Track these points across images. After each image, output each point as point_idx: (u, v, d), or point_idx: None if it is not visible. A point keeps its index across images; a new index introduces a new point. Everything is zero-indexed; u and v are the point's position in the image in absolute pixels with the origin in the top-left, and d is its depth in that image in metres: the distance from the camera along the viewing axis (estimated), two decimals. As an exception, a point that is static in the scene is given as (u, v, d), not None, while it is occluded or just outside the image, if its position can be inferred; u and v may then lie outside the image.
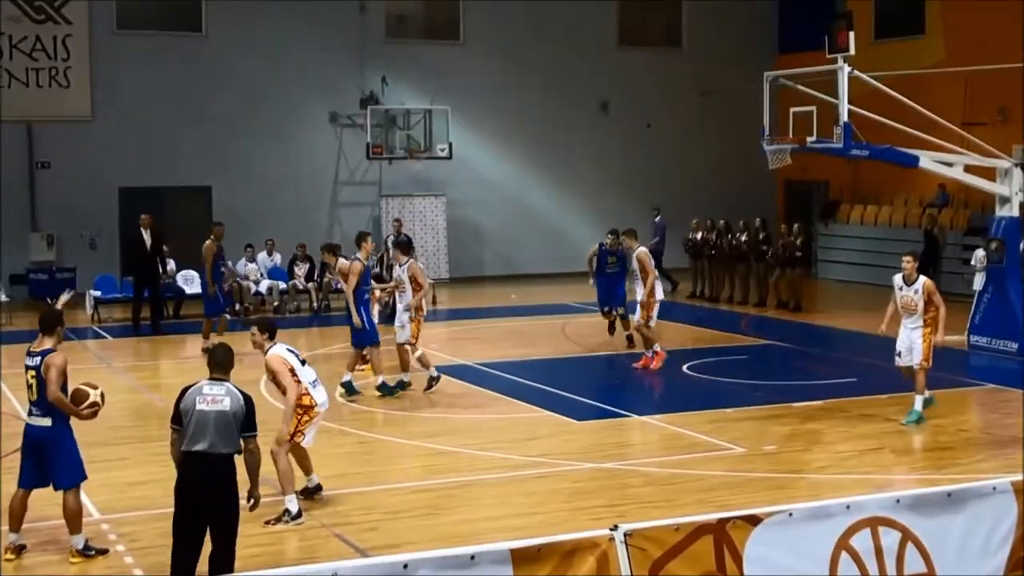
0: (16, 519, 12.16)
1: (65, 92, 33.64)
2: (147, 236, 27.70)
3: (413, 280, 20.22)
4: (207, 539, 10.49)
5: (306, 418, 13.52)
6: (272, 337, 13.39)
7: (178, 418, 10.56)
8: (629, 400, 19.48)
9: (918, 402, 17.99)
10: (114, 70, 34.01)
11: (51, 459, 12.00)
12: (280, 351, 13.37)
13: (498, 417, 18.81)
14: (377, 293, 21.93)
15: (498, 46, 38.17)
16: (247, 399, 10.63)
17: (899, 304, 18.15)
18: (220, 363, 10.84)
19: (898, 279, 18.20)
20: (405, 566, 7.60)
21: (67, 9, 33.54)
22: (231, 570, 10.31)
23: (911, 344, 18.00)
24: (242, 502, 10.71)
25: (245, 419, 10.54)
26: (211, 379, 10.72)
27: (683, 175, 40.16)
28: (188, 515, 10.41)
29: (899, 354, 18.20)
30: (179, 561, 10.41)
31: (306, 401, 13.46)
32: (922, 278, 18.03)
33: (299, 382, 13.32)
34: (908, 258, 18.26)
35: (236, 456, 10.59)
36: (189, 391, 10.60)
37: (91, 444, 16.49)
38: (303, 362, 13.61)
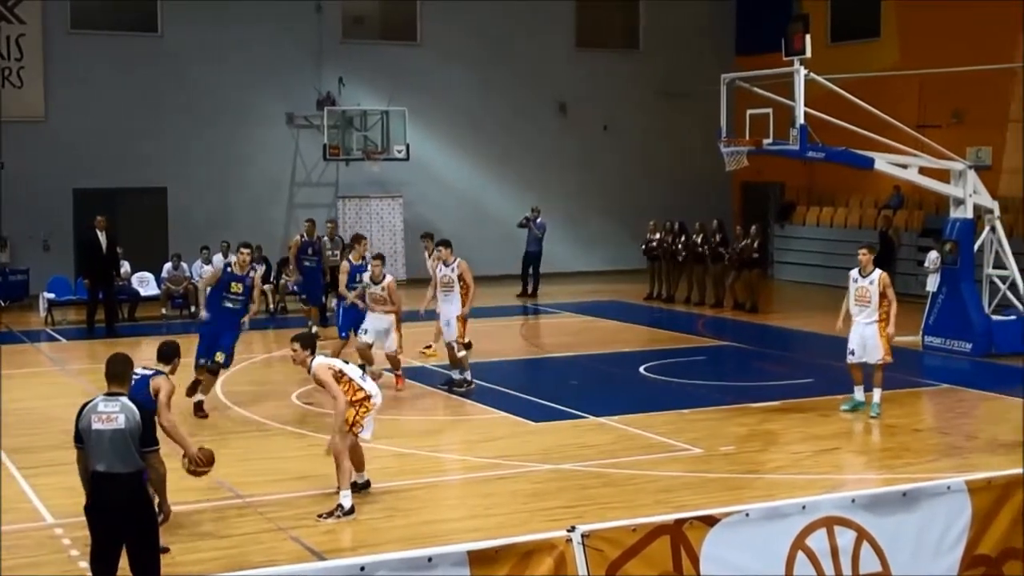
0: None
1: (18, 92, 33.38)
2: (102, 238, 27.57)
3: (462, 279, 20.31)
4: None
5: (363, 410, 13.77)
6: (313, 352, 13.67)
7: (79, 436, 9.95)
8: (586, 401, 19.47)
9: (877, 395, 18.31)
10: (68, 70, 33.80)
11: None
12: (325, 360, 13.75)
13: (455, 419, 18.83)
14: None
15: (456, 47, 38.15)
16: (144, 413, 9.94)
17: (853, 297, 18.41)
18: (116, 375, 10.09)
19: (854, 272, 18.54)
20: (362, 568, 7.59)
21: (20, 9, 33.29)
22: None
23: (864, 341, 18.32)
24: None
25: (143, 434, 9.82)
26: (106, 394, 9.99)
27: (640, 176, 40.26)
28: (102, 537, 9.87)
29: (852, 352, 18.53)
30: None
31: (360, 396, 13.74)
32: (878, 270, 18.48)
33: (350, 380, 13.65)
34: (864, 250, 18.74)
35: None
36: (86, 408, 9.95)
37: (45, 448, 16.46)
38: (346, 361, 14.22)
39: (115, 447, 9.75)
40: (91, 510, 9.95)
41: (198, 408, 18.33)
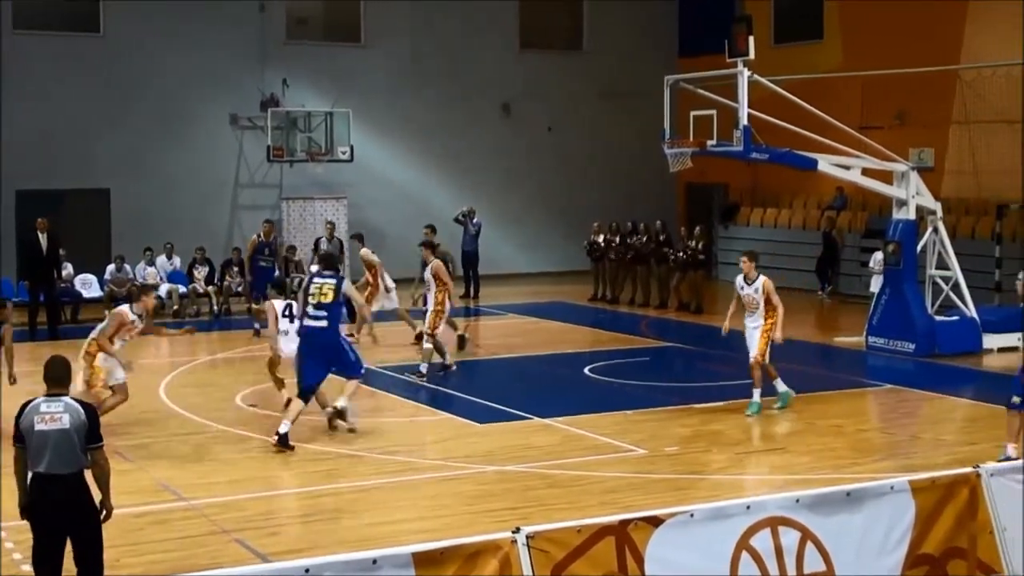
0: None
1: (-41, 93, 33.09)
2: (43, 239, 27.37)
3: (437, 278, 21.59)
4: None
5: None
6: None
7: (19, 436, 9.89)
8: (531, 402, 19.47)
9: (779, 384, 18.63)
10: (10, 71, 33.45)
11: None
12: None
13: (400, 420, 18.77)
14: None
15: (400, 48, 38.10)
16: (89, 411, 9.98)
17: (743, 302, 18.70)
18: (56, 377, 10.12)
19: (739, 279, 18.85)
20: (307, 570, 7.57)
21: (-39, 10, 33.05)
22: None
23: (753, 341, 18.59)
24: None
25: (88, 432, 9.82)
26: (48, 395, 10.00)
27: (584, 177, 40.29)
28: (44, 538, 9.84)
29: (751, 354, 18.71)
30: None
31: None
32: (762, 277, 18.65)
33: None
34: (744, 258, 19.16)
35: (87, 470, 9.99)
36: (27, 409, 9.94)
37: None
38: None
39: (58, 448, 9.75)
40: (32, 511, 9.88)
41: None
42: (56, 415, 9.81)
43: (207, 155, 36.05)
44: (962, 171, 31.74)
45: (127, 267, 30.49)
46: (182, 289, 30.68)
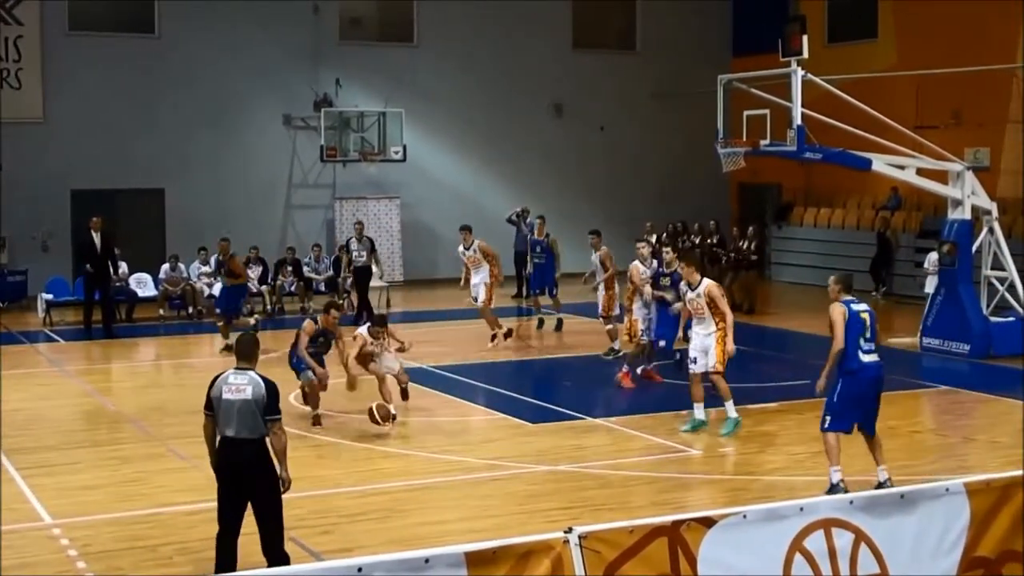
0: None
1: (17, 94, 33.36)
2: (97, 238, 27.56)
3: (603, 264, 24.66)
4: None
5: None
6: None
7: (209, 404, 11.07)
8: (584, 402, 19.46)
9: (730, 408, 17.61)
10: (66, 71, 33.78)
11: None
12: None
13: (452, 420, 18.80)
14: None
15: (452, 48, 38.16)
16: (269, 386, 11.02)
17: (689, 309, 17.77)
18: (244, 354, 11.32)
19: (683, 284, 18.02)
20: (359, 569, 7.58)
21: (19, 10, 33.30)
22: (280, 544, 11.04)
23: (706, 349, 17.42)
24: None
25: (267, 405, 10.96)
26: (236, 368, 11.17)
27: (637, 177, 40.26)
28: (228, 491, 11.02)
29: (694, 360, 17.54)
30: (221, 527, 11.09)
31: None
32: (705, 281, 17.52)
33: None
34: (683, 263, 18.18)
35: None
36: (217, 380, 11.11)
37: (42, 448, 16.54)
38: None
39: (242, 416, 10.92)
40: (220, 468, 11.12)
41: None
42: (241, 386, 10.97)
43: (260, 155, 36.24)
44: (1018, 171, 31.49)
45: (181, 266, 30.68)
46: (236, 288, 30.82)
